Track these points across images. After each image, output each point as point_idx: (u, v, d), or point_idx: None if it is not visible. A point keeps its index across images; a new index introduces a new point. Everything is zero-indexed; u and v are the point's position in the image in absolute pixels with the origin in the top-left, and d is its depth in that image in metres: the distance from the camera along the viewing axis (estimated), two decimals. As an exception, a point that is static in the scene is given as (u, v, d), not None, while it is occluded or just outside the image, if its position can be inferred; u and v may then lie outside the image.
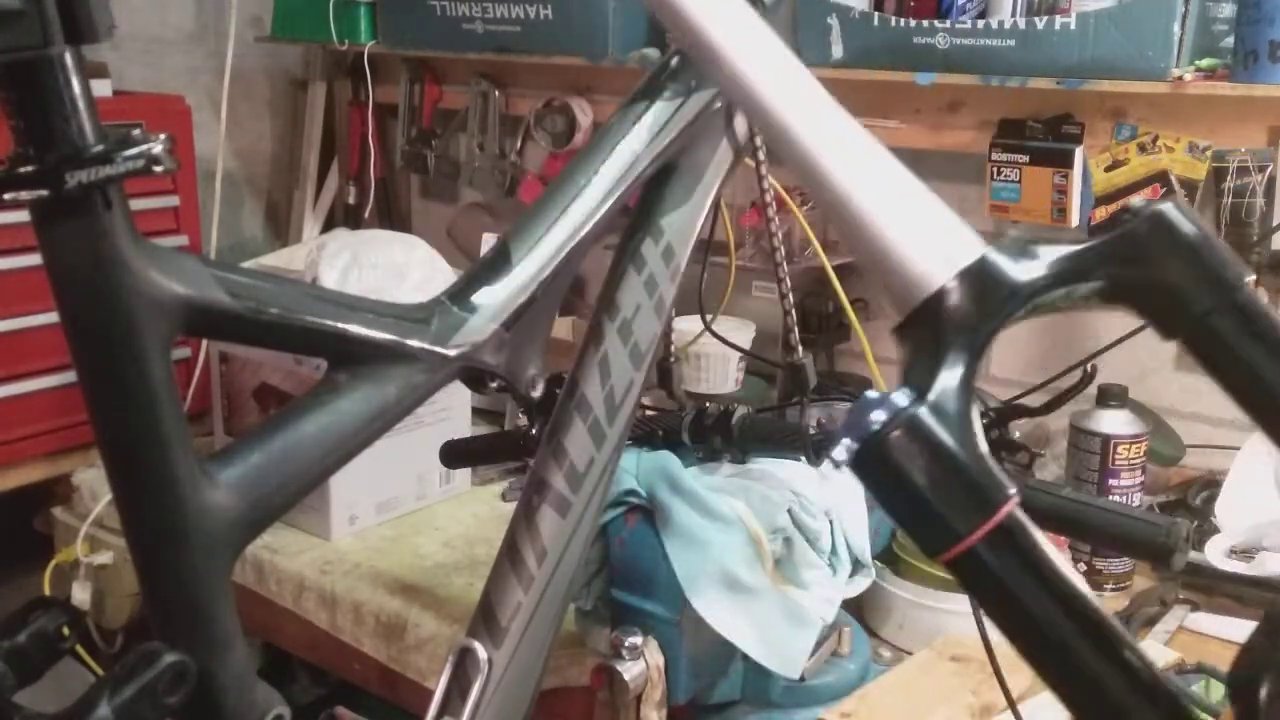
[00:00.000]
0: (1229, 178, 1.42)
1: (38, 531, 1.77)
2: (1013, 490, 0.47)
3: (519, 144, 2.06)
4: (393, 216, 2.36)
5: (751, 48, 0.50)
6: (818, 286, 1.76)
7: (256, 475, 0.56)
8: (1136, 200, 0.50)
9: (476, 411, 1.67)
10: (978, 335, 0.48)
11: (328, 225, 2.37)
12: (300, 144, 2.42)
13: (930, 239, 0.49)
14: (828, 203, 0.50)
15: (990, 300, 0.47)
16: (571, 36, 1.78)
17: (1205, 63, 1.36)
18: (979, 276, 0.48)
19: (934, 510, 0.47)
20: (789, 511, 1.05)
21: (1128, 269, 0.48)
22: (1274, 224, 1.40)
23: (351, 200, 2.33)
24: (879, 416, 0.47)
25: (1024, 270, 0.48)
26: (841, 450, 0.47)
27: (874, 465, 0.47)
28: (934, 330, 0.47)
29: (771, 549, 1.04)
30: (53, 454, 1.69)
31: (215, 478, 0.54)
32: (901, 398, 0.47)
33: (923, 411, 0.47)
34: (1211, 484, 1.42)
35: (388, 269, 1.57)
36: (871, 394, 0.48)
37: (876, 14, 1.51)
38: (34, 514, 1.78)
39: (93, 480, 1.66)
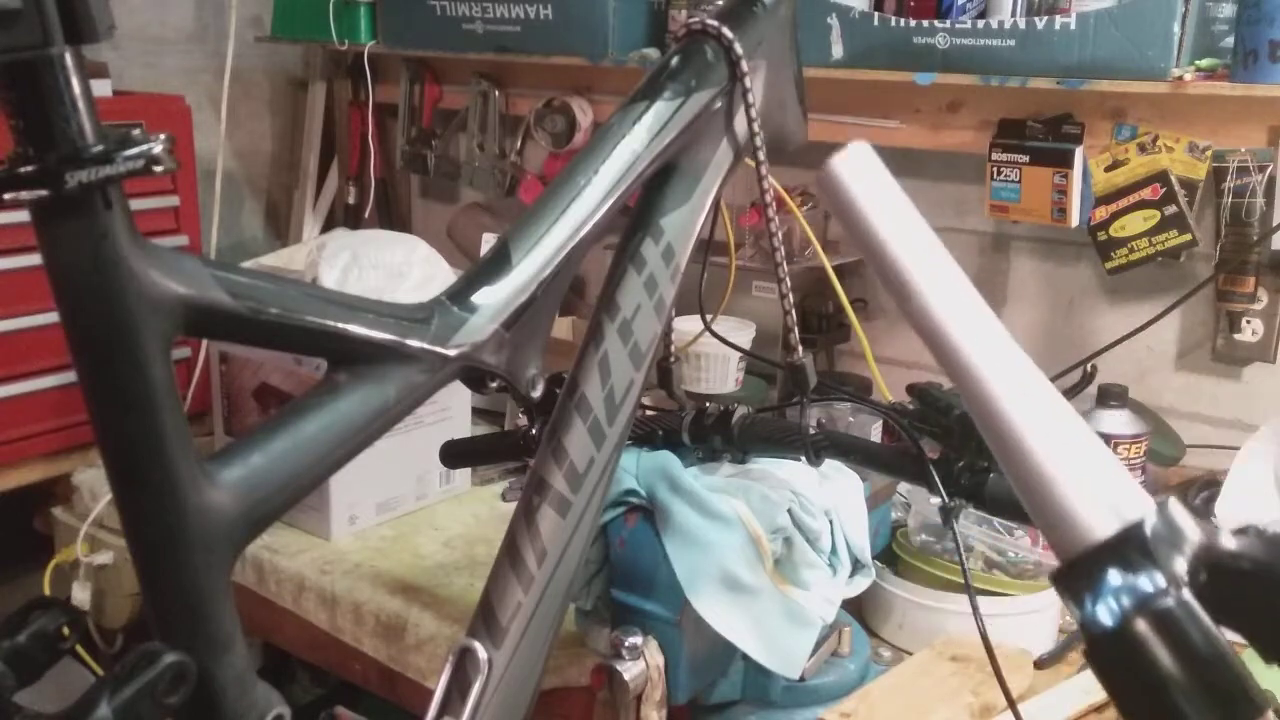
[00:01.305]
0: (1229, 177, 1.42)
1: (38, 531, 1.77)
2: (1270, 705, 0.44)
3: (519, 144, 2.06)
4: (393, 216, 2.36)
5: (946, 292, 0.51)
6: (818, 286, 1.77)
7: (257, 476, 0.56)
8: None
9: (476, 411, 1.67)
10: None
11: (328, 225, 2.37)
12: (300, 144, 2.42)
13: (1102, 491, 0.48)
14: (1006, 449, 0.50)
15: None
16: (571, 37, 1.79)
17: (1205, 62, 1.36)
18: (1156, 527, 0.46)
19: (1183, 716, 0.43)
20: (789, 511, 1.05)
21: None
22: (1274, 224, 1.40)
23: (351, 200, 2.33)
24: (1124, 601, 0.44)
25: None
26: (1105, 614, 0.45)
27: (1119, 655, 0.44)
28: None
29: (772, 549, 1.04)
30: (53, 454, 1.69)
31: (215, 478, 0.54)
32: (1147, 582, 0.45)
33: (1185, 597, 0.44)
34: (1212, 484, 1.42)
35: (387, 269, 1.57)
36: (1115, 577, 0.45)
37: (876, 14, 1.51)
38: (34, 514, 1.78)
39: (93, 480, 1.66)
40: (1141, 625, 0.44)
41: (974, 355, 0.51)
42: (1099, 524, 0.47)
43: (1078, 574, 0.46)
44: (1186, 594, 0.45)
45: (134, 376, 0.50)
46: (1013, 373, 0.51)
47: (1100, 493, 0.48)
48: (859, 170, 0.52)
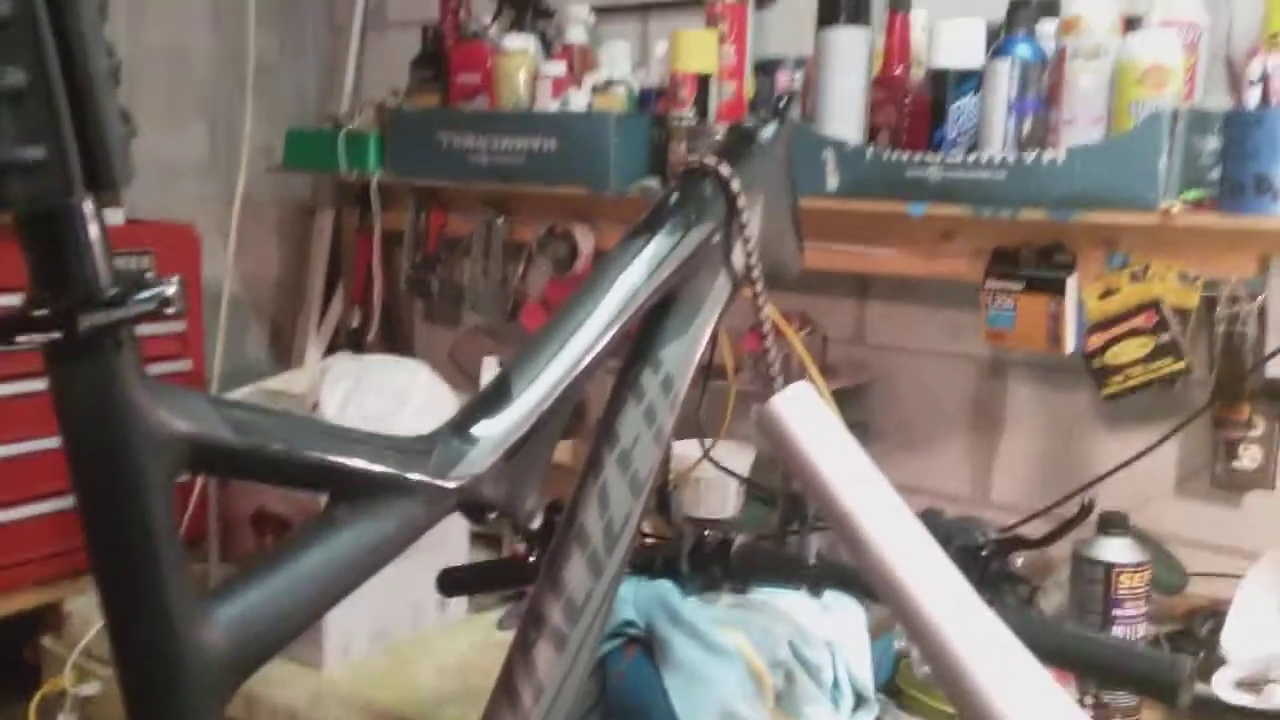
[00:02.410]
0: (1221, 306, 1.44)
1: (27, 663, 1.74)
2: None
3: (522, 269, 2.09)
4: (396, 340, 2.38)
5: (888, 533, 0.51)
6: (817, 411, 1.77)
7: (253, 614, 0.55)
8: None
9: (473, 536, 1.66)
10: None
11: (331, 349, 2.39)
12: (306, 269, 2.46)
13: None
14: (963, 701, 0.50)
15: None
16: (574, 168, 1.83)
17: (1192, 194, 1.39)
18: None
19: None
20: (790, 644, 1.04)
21: None
22: (1267, 352, 1.41)
23: (355, 324, 2.36)
24: None
25: None
26: None
27: None
28: None
29: (773, 683, 1.02)
30: (46, 580, 1.67)
31: (211, 616, 0.54)
32: None
33: None
34: (1217, 613, 1.40)
35: (389, 394, 1.58)
36: None
37: (870, 147, 1.56)
38: (24, 642, 1.75)
39: (84, 608, 1.64)
40: None
41: (925, 605, 0.50)
42: None
43: None
44: None
45: (135, 515, 0.50)
46: (960, 613, 0.50)
47: None
48: (800, 411, 0.54)
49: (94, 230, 0.47)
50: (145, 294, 0.48)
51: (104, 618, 0.53)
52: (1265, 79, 1.29)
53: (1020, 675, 0.48)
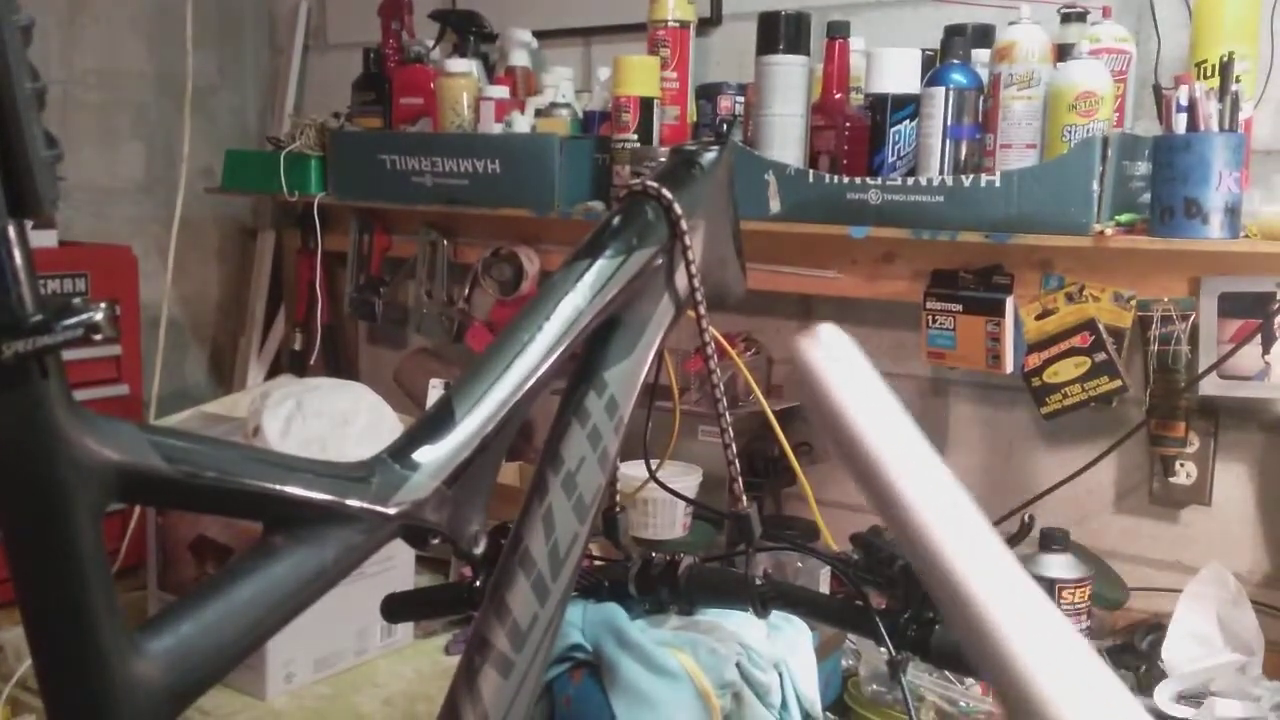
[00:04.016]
0: (1154, 326, 1.48)
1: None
2: None
3: (467, 291, 2.09)
4: (339, 362, 2.36)
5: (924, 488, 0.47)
6: (763, 430, 1.78)
7: (187, 646, 0.54)
8: None
9: (420, 560, 1.64)
10: None
11: (273, 371, 2.36)
12: (247, 291, 2.43)
13: None
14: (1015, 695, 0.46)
15: None
16: (519, 191, 1.83)
17: (1125, 218, 1.42)
18: None
19: None
20: (738, 665, 1.04)
21: None
22: (1200, 370, 1.44)
23: (298, 346, 2.33)
24: None
25: None
26: None
27: None
28: None
29: (720, 704, 1.02)
30: (-24, 613, 1.63)
31: (143, 649, 0.53)
32: None
33: None
34: (1157, 627, 1.43)
35: (332, 417, 1.56)
36: None
37: (811, 171, 1.58)
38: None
39: (18, 640, 1.59)
40: None
41: (956, 561, 0.47)
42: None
43: None
44: None
45: (61, 546, 0.49)
46: (992, 574, 0.47)
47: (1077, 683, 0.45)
48: (831, 354, 0.50)
49: (18, 255, 0.46)
50: (72, 320, 0.47)
51: (31, 652, 0.52)
52: (1192, 105, 1.33)
53: (1062, 647, 0.46)
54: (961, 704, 1.26)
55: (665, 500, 1.62)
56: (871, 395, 0.50)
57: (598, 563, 1.15)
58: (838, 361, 0.50)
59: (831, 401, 0.49)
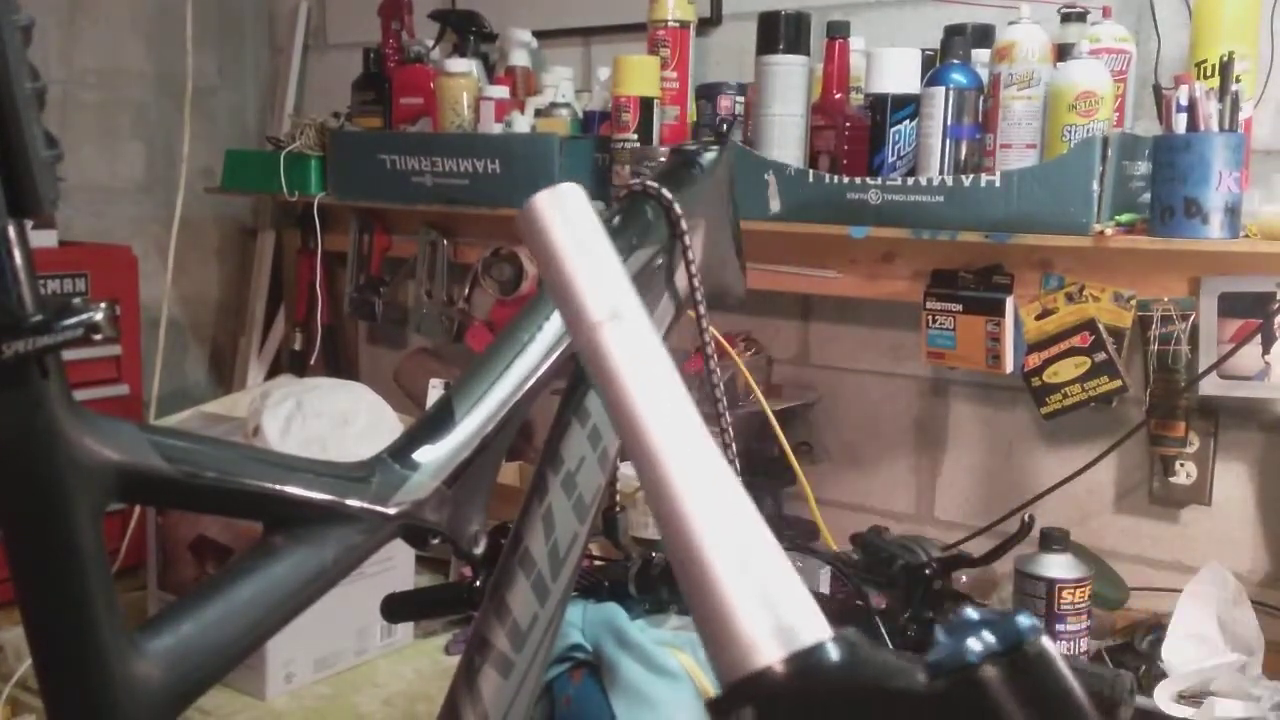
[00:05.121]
0: (1154, 326, 1.48)
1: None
2: None
3: (467, 291, 2.09)
4: (339, 362, 2.36)
5: (632, 358, 0.46)
6: (763, 429, 1.78)
7: (187, 646, 0.54)
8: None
9: (420, 559, 1.64)
10: None
11: (273, 371, 2.36)
12: (247, 291, 2.43)
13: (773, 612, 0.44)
14: (676, 554, 0.45)
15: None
16: (518, 190, 1.83)
17: (1125, 218, 1.42)
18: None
19: None
20: (737, 664, 1.04)
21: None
22: (1200, 370, 1.44)
23: (297, 346, 2.33)
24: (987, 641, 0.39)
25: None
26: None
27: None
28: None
29: (720, 704, 1.02)
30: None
31: (143, 649, 0.53)
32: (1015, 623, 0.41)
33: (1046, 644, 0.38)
34: (1157, 626, 1.43)
35: (331, 417, 1.56)
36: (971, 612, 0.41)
37: (811, 171, 1.58)
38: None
39: (18, 640, 1.59)
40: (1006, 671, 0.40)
41: (656, 442, 0.46)
42: (763, 647, 0.43)
43: (733, 701, 0.42)
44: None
45: (61, 546, 0.49)
46: (693, 466, 0.46)
47: (770, 611, 0.43)
48: (562, 212, 0.49)
49: (18, 255, 0.46)
50: (72, 320, 0.47)
51: (30, 652, 0.52)
52: (1192, 105, 1.33)
53: (746, 543, 0.44)
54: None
55: (665, 500, 1.62)
56: (589, 253, 0.49)
57: (598, 563, 1.15)
58: (568, 225, 0.50)
59: (554, 261, 0.48)
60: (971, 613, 0.40)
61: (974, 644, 0.40)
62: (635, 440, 0.46)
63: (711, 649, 0.43)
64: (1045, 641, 0.39)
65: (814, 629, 0.42)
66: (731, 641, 0.41)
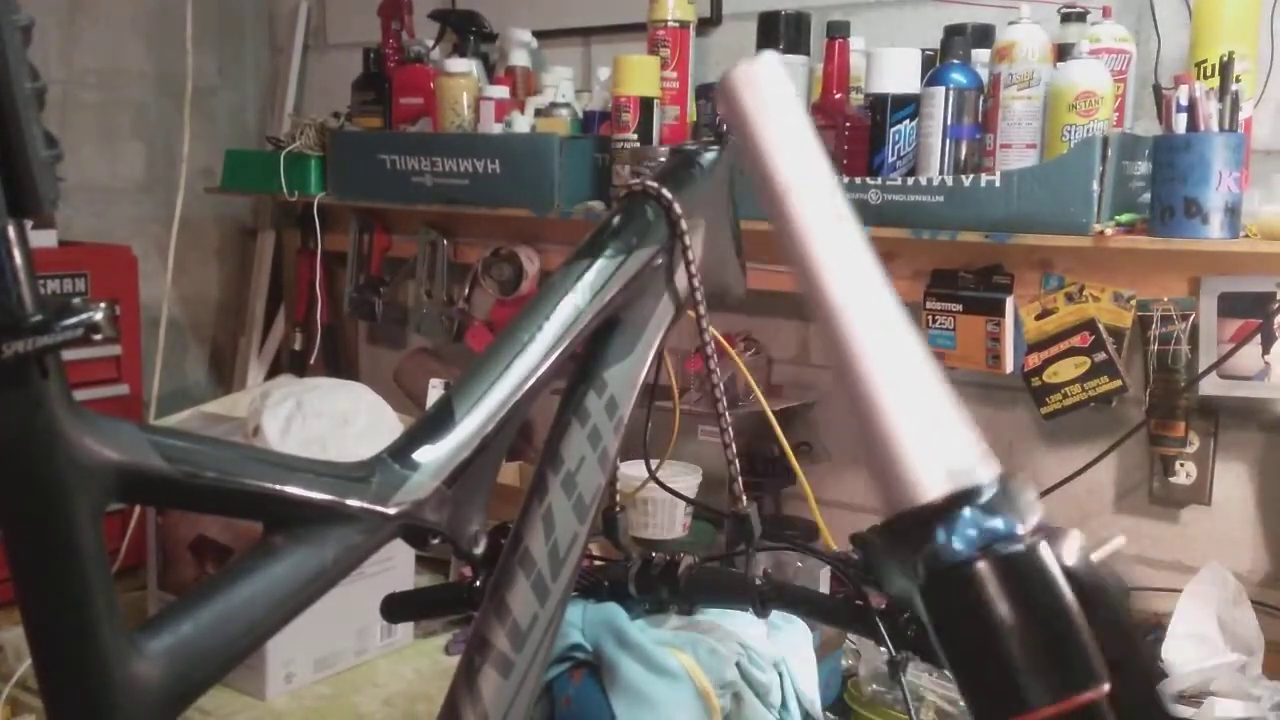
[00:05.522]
0: (1154, 326, 1.48)
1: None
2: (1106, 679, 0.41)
3: (467, 290, 2.09)
4: (339, 362, 2.36)
5: (823, 226, 0.50)
6: (763, 429, 1.78)
7: (186, 646, 0.54)
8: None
9: (420, 559, 1.64)
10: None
11: (273, 371, 2.36)
12: (247, 291, 2.43)
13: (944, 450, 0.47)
14: (855, 398, 0.48)
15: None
16: (519, 190, 1.83)
17: (1125, 218, 1.42)
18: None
19: (1015, 668, 0.40)
20: (737, 664, 1.04)
21: None
22: (1200, 370, 1.44)
23: (297, 346, 2.33)
24: (973, 537, 0.42)
25: None
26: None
27: (958, 593, 0.42)
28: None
29: (720, 704, 1.02)
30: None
31: (143, 649, 0.53)
32: (1000, 525, 0.43)
33: (1037, 548, 0.41)
34: (1157, 626, 1.43)
35: (332, 417, 1.56)
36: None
37: (812, 170, 1.57)
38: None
39: (17, 639, 1.59)
40: (988, 565, 0.42)
41: (839, 297, 0.49)
42: (930, 482, 0.46)
43: (910, 524, 0.44)
44: (1040, 545, 0.43)
45: (61, 546, 0.49)
46: (876, 319, 0.49)
47: (939, 449, 0.46)
48: (762, 87, 0.52)
49: (18, 255, 0.46)
50: (72, 320, 0.47)
51: (30, 652, 0.52)
52: (1192, 105, 1.33)
53: (920, 388, 0.48)
54: (962, 704, 1.26)
55: (665, 500, 1.62)
56: (796, 140, 0.53)
57: (598, 563, 1.15)
58: (767, 105, 0.54)
59: (757, 141, 0.52)
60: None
61: (962, 540, 0.43)
62: (819, 301, 0.48)
63: (886, 486, 0.46)
64: (1041, 546, 0.41)
65: (982, 470, 0.44)
66: (905, 479, 0.43)
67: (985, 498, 0.44)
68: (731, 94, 0.53)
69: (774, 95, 0.52)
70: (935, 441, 0.46)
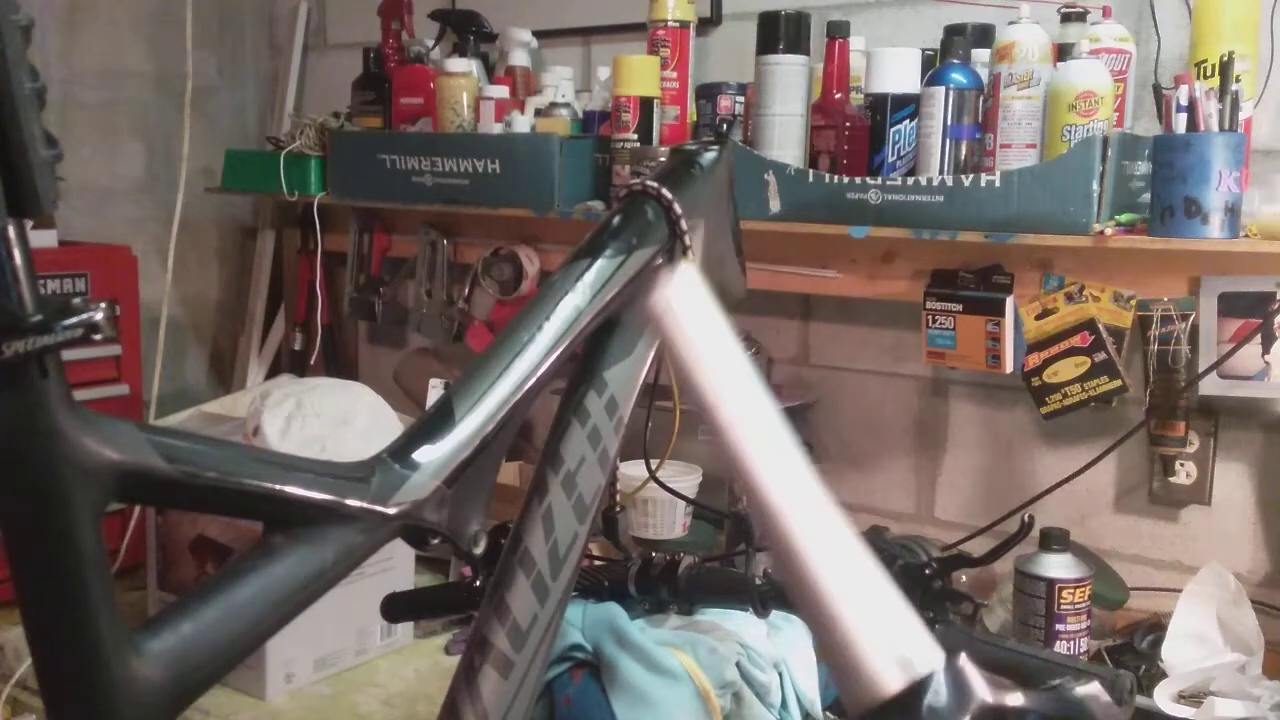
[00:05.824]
0: (1154, 326, 1.48)
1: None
2: None
3: (467, 291, 2.09)
4: (339, 362, 2.36)
5: (757, 433, 0.54)
6: (763, 431, 1.78)
7: (186, 646, 0.54)
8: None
9: (420, 559, 1.64)
10: None
11: (273, 371, 2.36)
12: (247, 291, 2.43)
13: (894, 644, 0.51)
14: (804, 590, 0.51)
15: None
16: (519, 190, 1.83)
17: (1125, 217, 1.42)
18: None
19: None
20: (737, 664, 1.04)
21: None
22: (1200, 370, 1.44)
23: (297, 346, 2.33)
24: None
25: None
26: None
27: None
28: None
29: (721, 705, 1.02)
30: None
31: (142, 650, 0.53)
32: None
33: None
34: (1157, 627, 1.43)
35: (332, 417, 1.56)
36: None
37: (811, 171, 1.58)
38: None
39: (17, 639, 1.59)
40: None
41: (778, 499, 0.53)
42: (887, 678, 0.49)
43: None
44: None
45: (61, 547, 0.49)
46: (812, 514, 0.53)
47: (890, 646, 0.51)
48: (686, 304, 0.58)
49: (18, 255, 0.46)
50: (72, 320, 0.47)
51: (30, 652, 0.52)
52: (1192, 105, 1.33)
53: (863, 582, 0.52)
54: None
55: (665, 500, 1.63)
56: (721, 349, 0.58)
57: (598, 563, 1.15)
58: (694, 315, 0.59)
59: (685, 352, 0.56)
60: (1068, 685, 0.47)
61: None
62: (767, 517, 0.54)
63: (842, 681, 0.51)
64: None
65: (926, 659, 0.49)
66: (858, 675, 0.48)
67: (936, 684, 0.49)
68: (655, 320, 0.59)
69: (693, 316, 0.58)
70: (886, 638, 0.51)
